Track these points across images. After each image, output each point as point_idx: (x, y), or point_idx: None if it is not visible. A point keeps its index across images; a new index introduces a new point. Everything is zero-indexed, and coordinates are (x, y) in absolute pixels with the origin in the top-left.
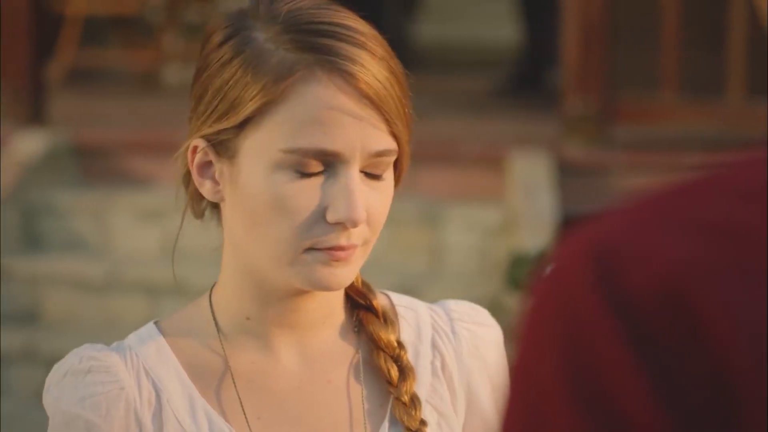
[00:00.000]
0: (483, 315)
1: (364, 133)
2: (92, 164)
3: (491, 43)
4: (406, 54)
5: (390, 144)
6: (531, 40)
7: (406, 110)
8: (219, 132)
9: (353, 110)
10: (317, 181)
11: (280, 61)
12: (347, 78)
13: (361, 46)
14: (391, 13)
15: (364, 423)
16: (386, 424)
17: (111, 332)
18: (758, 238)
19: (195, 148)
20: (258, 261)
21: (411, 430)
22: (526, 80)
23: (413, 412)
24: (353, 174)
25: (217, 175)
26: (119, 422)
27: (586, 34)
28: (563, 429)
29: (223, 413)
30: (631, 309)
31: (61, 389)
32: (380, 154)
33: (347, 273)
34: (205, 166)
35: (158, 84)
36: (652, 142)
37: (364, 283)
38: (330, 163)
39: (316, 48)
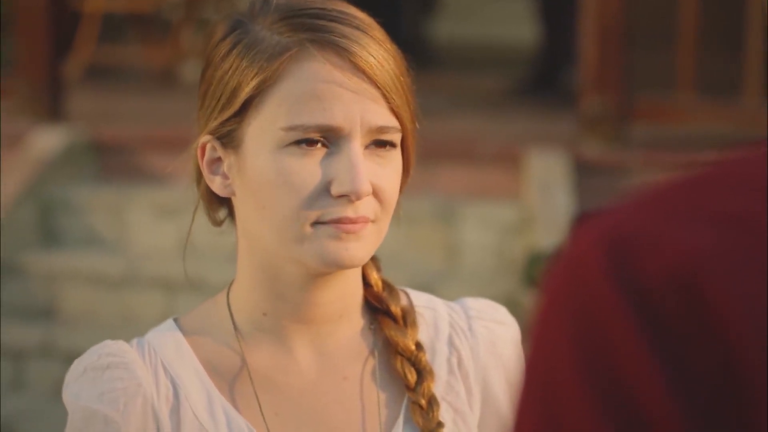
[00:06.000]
0: (501, 313)
1: (363, 107)
2: (110, 161)
3: (509, 42)
4: (424, 52)
5: (390, 120)
6: (548, 40)
7: (406, 89)
8: (223, 123)
9: (349, 84)
10: (321, 156)
11: (275, 44)
12: (341, 53)
13: (356, 26)
14: (409, 11)
15: (379, 421)
16: (401, 421)
17: (128, 328)
18: None
19: (204, 146)
20: (269, 244)
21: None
22: (544, 79)
23: (430, 415)
24: (355, 147)
25: (226, 169)
26: (136, 417)
27: (604, 34)
28: (578, 418)
29: (240, 409)
30: (644, 298)
31: (80, 385)
32: (381, 130)
33: (359, 248)
34: (215, 163)
35: (176, 81)
36: (668, 142)
37: (385, 286)
38: (332, 138)
39: (309, 27)
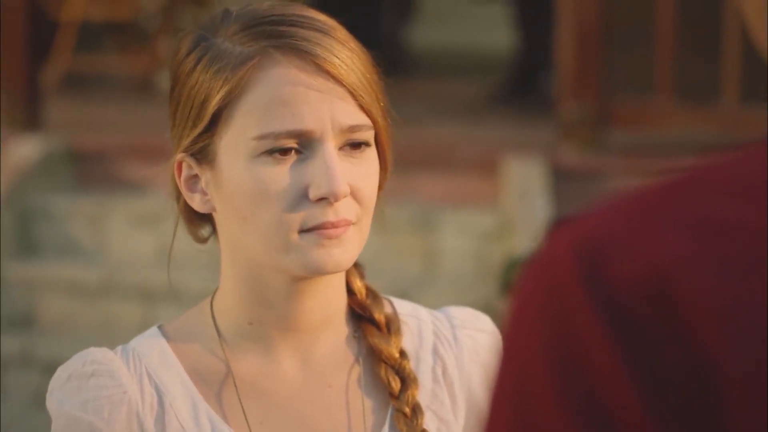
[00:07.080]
0: (484, 321)
1: (332, 108)
2: (88, 169)
3: (486, 48)
4: (402, 59)
5: (361, 118)
6: (526, 46)
7: (374, 86)
8: (196, 140)
9: (316, 85)
10: (296, 163)
11: (237, 54)
12: (304, 56)
13: (317, 29)
14: (387, 18)
15: (365, 428)
16: (386, 429)
17: (107, 337)
18: (743, 234)
19: (180, 164)
20: (254, 255)
21: None
22: (521, 85)
23: (414, 423)
24: (329, 149)
25: (203, 186)
26: (121, 426)
27: (581, 39)
28: (551, 424)
29: (225, 417)
30: (615, 304)
31: (64, 393)
32: (353, 129)
33: (342, 253)
34: (192, 180)
35: (153, 89)
36: (647, 147)
37: (369, 293)
38: (305, 143)
39: (270, 34)
